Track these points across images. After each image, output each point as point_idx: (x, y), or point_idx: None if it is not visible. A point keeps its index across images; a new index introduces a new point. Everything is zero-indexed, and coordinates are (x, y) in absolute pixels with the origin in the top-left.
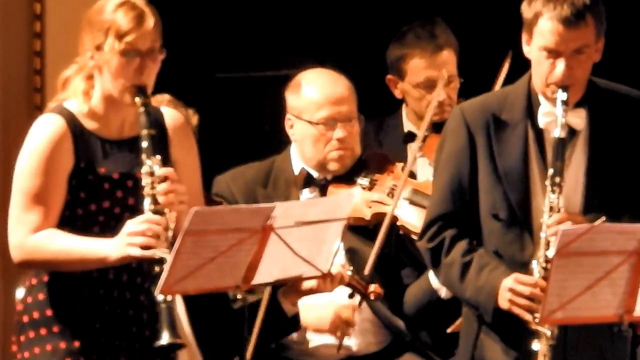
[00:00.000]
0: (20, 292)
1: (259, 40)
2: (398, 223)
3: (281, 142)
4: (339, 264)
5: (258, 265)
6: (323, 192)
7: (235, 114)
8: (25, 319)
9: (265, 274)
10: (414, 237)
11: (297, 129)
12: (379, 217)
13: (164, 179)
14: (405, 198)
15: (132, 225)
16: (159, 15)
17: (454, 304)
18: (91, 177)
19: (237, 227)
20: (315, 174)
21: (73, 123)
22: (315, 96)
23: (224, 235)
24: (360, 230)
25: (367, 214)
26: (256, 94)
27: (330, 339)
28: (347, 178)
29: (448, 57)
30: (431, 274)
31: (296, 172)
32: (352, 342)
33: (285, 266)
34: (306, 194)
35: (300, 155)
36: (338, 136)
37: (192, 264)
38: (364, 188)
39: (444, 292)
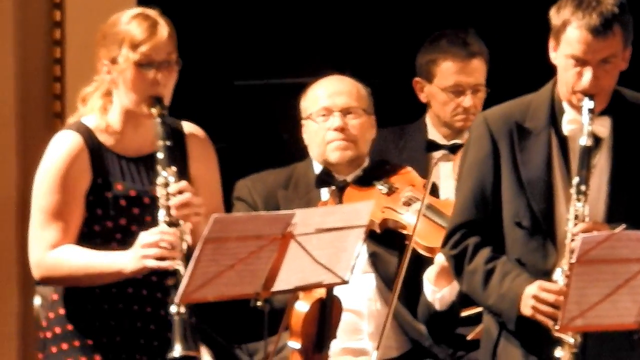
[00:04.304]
0: (37, 300)
1: (277, 47)
2: (405, 231)
3: (299, 149)
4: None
5: (278, 273)
6: (342, 193)
7: (253, 122)
8: (48, 334)
9: (285, 281)
10: (418, 249)
11: (306, 130)
12: (387, 224)
13: (179, 191)
14: (421, 211)
15: (146, 236)
16: (177, 22)
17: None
18: (108, 194)
19: (257, 235)
20: (335, 176)
21: (90, 139)
22: (317, 93)
23: (244, 243)
24: (383, 235)
25: (377, 218)
26: (275, 102)
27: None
28: (366, 181)
29: (478, 66)
30: (426, 287)
31: (316, 174)
32: (370, 347)
33: (305, 273)
34: (324, 194)
35: (311, 156)
36: (334, 125)
37: (211, 271)
38: (382, 194)
39: (437, 305)
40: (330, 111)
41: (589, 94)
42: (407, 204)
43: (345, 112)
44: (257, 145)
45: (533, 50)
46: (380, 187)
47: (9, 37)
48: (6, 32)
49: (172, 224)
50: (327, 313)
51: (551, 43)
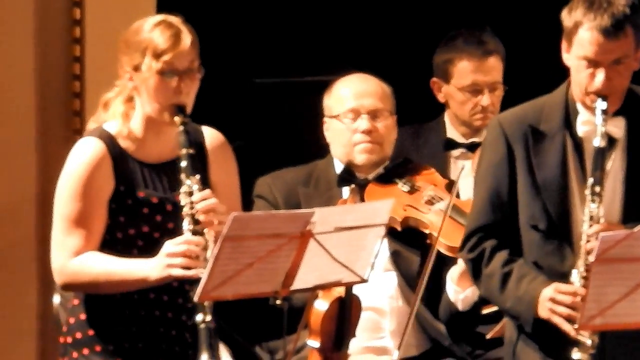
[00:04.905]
0: (57, 298)
1: (297, 45)
2: (427, 230)
3: (319, 147)
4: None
5: (297, 271)
6: (362, 191)
7: (273, 120)
8: (69, 339)
9: (304, 279)
10: (440, 248)
11: (329, 129)
12: (409, 222)
13: (203, 199)
14: (441, 209)
15: (171, 246)
16: (198, 20)
17: (475, 315)
18: (130, 201)
19: (275, 233)
20: (357, 174)
21: (112, 146)
22: (343, 92)
23: (263, 241)
24: (404, 233)
25: (399, 216)
26: (294, 100)
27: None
28: (388, 179)
29: (495, 64)
30: (449, 287)
31: (338, 172)
32: (391, 344)
33: (324, 272)
34: (345, 192)
35: (334, 155)
36: (362, 128)
37: (230, 269)
38: (404, 192)
39: (460, 305)
40: (357, 113)
41: (602, 95)
42: (430, 202)
43: (373, 114)
44: (277, 143)
45: (550, 45)
46: (402, 186)
47: (29, 35)
48: (26, 30)
49: (197, 232)
50: (346, 311)
51: (564, 44)
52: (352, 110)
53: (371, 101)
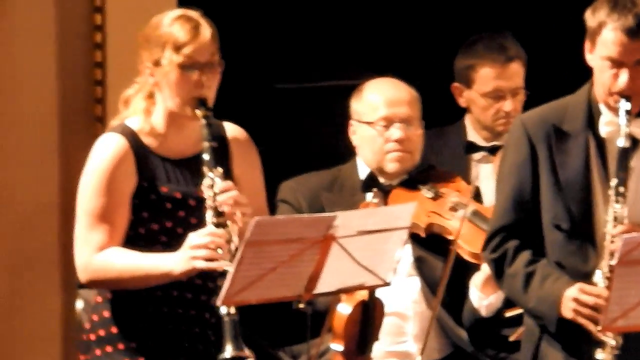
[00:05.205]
0: (80, 304)
1: (318, 50)
2: (450, 237)
3: (340, 152)
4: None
5: (320, 275)
6: (387, 197)
7: (294, 125)
8: (92, 337)
9: (327, 283)
10: (464, 255)
11: (358, 133)
12: (433, 229)
13: (225, 190)
14: (465, 216)
15: (195, 238)
16: (218, 25)
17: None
18: (153, 196)
19: (298, 237)
20: (381, 180)
21: (135, 142)
22: (375, 98)
23: (286, 245)
24: (428, 239)
25: (422, 222)
26: (315, 105)
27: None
28: (412, 185)
29: (517, 69)
30: (472, 294)
31: (362, 178)
32: (415, 348)
33: (347, 276)
34: (369, 197)
35: (363, 160)
36: (395, 137)
37: (253, 274)
38: (427, 198)
39: (484, 311)
40: (390, 121)
41: (625, 95)
42: (453, 209)
43: (405, 122)
44: (298, 149)
45: (570, 49)
46: (426, 192)
47: (50, 41)
48: (48, 35)
49: (220, 225)
50: (369, 315)
51: (587, 45)
52: (385, 118)
53: (404, 109)
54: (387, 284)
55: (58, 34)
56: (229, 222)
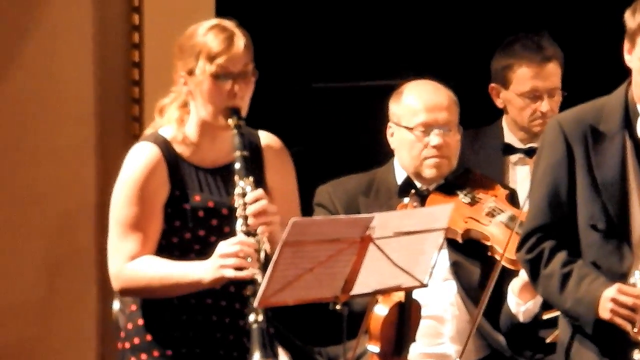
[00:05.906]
0: (116, 305)
1: (356, 50)
2: (488, 242)
3: (378, 153)
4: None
5: (357, 276)
6: (424, 202)
7: (331, 125)
8: (127, 345)
9: (364, 284)
10: (503, 262)
11: (396, 136)
12: (470, 234)
13: (255, 200)
14: (502, 222)
15: (224, 246)
16: (255, 24)
17: (536, 324)
18: (186, 205)
19: (335, 238)
20: (418, 184)
21: (167, 151)
22: (414, 103)
23: (323, 246)
24: (465, 244)
25: (460, 228)
26: (353, 105)
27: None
28: (449, 190)
29: (554, 70)
30: (510, 299)
31: (399, 182)
32: (452, 349)
33: (384, 277)
34: (406, 202)
35: (400, 164)
36: (434, 143)
37: (290, 274)
38: (464, 204)
39: (521, 317)
40: (430, 127)
41: None
42: (490, 214)
43: (444, 128)
44: (335, 149)
45: (608, 51)
46: (463, 197)
47: (88, 41)
48: (85, 35)
49: (250, 233)
50: (406, 316)
51: (626, 45)
52: (424, 124)
53: (444, 115)
54: (423, 285)
55: (96, 34)
56: (258, 231)
